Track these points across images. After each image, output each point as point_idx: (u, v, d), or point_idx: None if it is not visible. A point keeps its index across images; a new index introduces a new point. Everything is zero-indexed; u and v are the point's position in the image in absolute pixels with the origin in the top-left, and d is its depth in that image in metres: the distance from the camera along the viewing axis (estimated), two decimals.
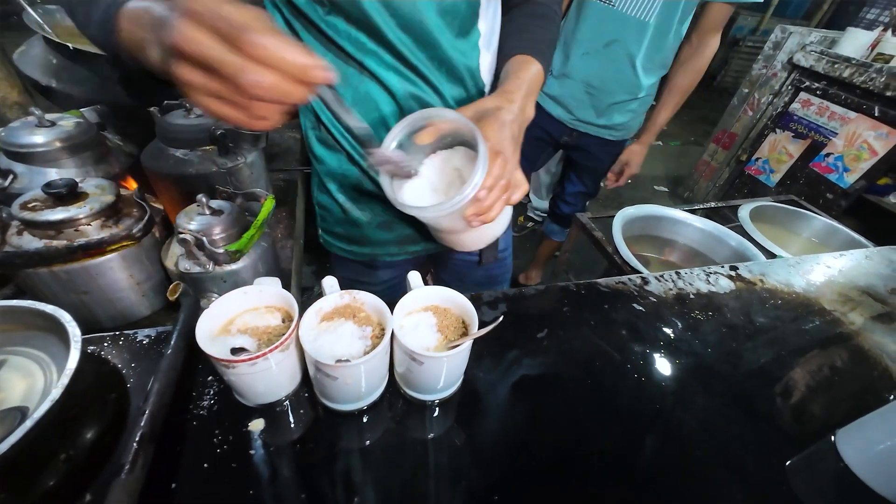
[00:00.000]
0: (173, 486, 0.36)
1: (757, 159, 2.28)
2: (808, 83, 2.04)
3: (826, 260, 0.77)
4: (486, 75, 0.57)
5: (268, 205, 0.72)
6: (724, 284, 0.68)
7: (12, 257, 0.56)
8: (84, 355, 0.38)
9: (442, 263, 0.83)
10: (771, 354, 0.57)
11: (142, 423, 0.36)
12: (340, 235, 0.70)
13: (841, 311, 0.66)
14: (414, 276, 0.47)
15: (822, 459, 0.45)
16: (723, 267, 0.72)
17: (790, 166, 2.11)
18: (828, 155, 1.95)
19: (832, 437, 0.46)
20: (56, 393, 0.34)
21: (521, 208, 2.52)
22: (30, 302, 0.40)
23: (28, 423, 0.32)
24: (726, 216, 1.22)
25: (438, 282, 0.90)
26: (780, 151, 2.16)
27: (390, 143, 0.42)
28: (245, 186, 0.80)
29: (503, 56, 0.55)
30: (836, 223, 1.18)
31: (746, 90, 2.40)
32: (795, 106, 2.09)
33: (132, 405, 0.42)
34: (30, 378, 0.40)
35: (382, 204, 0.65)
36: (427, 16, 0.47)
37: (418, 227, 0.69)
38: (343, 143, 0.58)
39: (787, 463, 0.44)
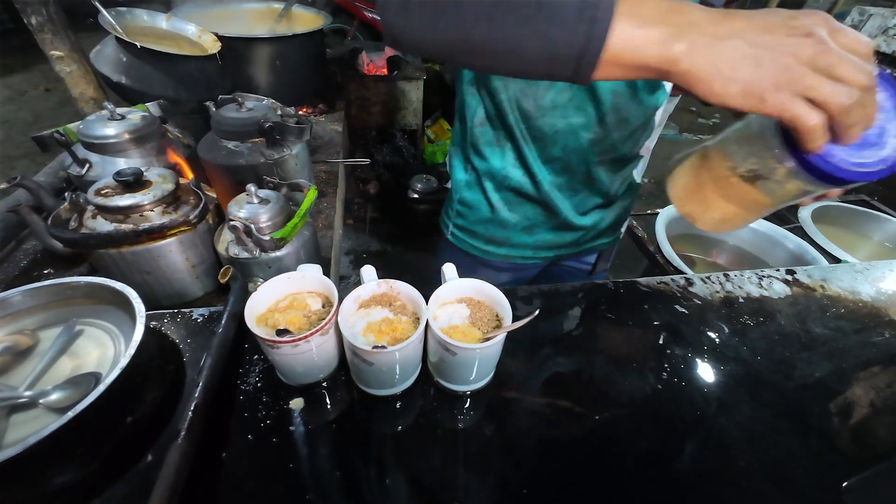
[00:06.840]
0: (223, 454, 0.39)
1: None
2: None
3: None
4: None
5: (310, 195, 0.75)
6: (779, 289, 0.63)
7: (88, 238, 0.61)
8: (147, 329, 0.41)
9: (553, 270, 0.81)
10: (829, 367, 0.52)
11: (196, 394, 0.39)
12: (479, 235, 0.70)
13: None
14: (449, 268, 0.47)
15: (888, 484, 0.41)
16: (778, 270, 0.67)
17: None
18: None
19: None
20: (125, 361, 0.38)
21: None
22: (104, 279, 0.44)
23: (101, 387, 0.36)
24: (783, 217, 1.13)
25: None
26: None
27: None
28: (290, 177, 0.83)
29: None
30: None
31: None
32: None
33: (187, 377, 0.45)
34: (102, 347, 0.45)
35: (534, 206, 0.65)
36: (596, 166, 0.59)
37: (556, 233, 0.69)
38: (520, 141, 0.58)
39: (844, 484, 0.41)
